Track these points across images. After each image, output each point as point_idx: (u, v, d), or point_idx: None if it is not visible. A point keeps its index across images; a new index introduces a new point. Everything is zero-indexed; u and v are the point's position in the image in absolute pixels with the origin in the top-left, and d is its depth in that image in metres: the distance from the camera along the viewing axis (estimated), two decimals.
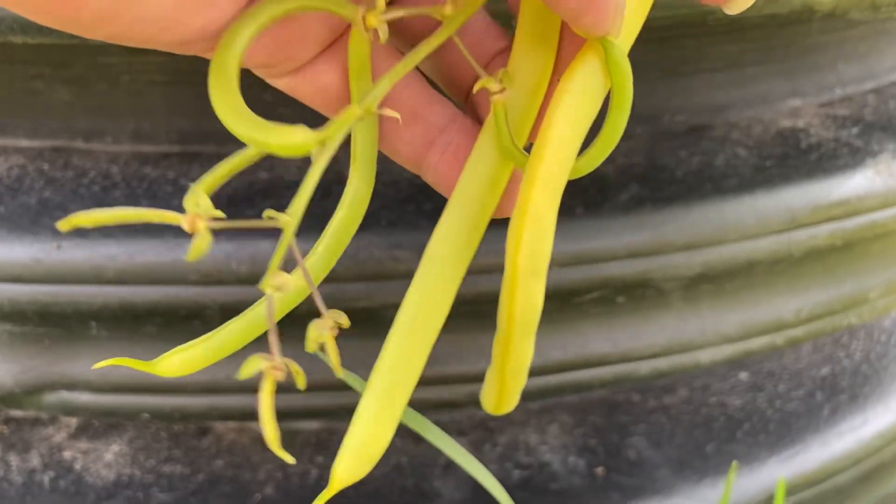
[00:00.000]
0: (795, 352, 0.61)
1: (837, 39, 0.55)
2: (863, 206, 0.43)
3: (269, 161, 0.44)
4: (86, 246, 0.37)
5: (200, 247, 0.20)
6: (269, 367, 0.20)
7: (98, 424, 0.50)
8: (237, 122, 0.21)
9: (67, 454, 0.51)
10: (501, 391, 0.25)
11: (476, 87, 0.25)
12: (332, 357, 0.22)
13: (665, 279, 0.40)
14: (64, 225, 0.20)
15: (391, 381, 0.26)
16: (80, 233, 0.38)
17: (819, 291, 0.45)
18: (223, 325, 0.26)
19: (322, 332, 0.22)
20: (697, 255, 0.40)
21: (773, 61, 0.53)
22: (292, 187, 0.41)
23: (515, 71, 0.25)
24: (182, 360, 0.25)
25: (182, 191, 0.40)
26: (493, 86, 0.24)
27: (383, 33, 0.24)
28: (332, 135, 0.22)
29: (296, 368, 0.21)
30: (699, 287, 0.42)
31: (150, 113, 0.45)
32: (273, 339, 0.21)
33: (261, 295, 0.37)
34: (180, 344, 0.38)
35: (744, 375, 0.60)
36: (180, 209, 0.40)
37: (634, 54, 0.47)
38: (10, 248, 0.38)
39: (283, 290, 0.22)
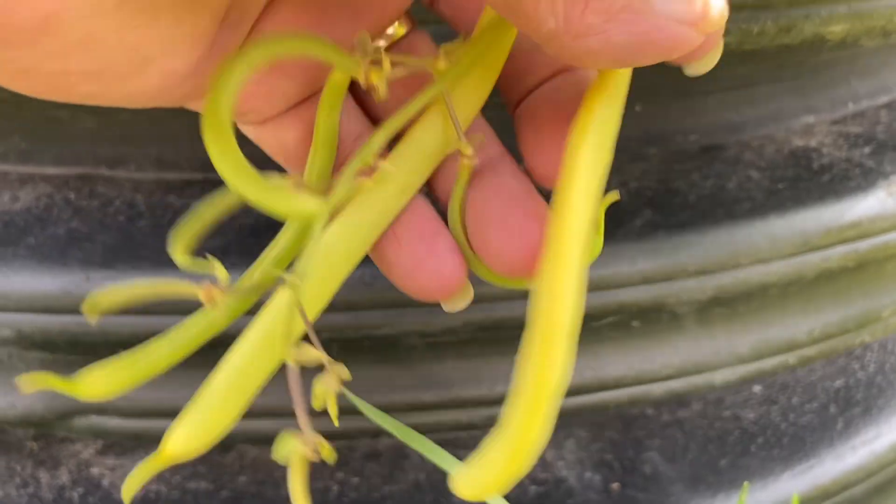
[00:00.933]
0: (812, 363, 0.61)
1: (849, 56, 0.55)
2: (875, 227, 0.44)
3: None
4: (113, 277, 0.38)
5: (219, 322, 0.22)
6: (300, 447, 0.21)
7: (125, 441, 0.51)
8: (244, 184, 0.21)
9: (95, 470, 0.52)
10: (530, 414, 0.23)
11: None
12: (332, 412, 0.23)
13: (679, 303, 0.41)
14: (91, 310, 0.21)
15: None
16: (107, 265, 0.39)
17: (832, 312, 0.46)
18: (151, 344, 0.26)
19: (328, 388, 0.23)
20: (710, 280, 0.41)
21: (786, 80, 0.53)
22: None
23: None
24: (106, 382, 0.25)
25: None
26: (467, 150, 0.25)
27: (383, 91, 0.24)
28: (342, 201, 0.22)
29: (326, 446, 0.22)
30: (712, 310, 0.43)
31: (173, 140, 0.46)
32: (302, 417, 0.22)
33: None
34: (206, 371, 0.40)
35: (757, 388, 0.61)
36: (204, 240, 0.41)
37: (648, 76, 0.48)
38: (41, 279, 0.39)
39: (303, 361, 0.23)
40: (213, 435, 0.27)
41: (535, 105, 0.27)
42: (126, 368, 0.25)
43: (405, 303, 0.39)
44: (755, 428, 0.57)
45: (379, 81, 0.24)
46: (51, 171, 0.48)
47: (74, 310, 0.38)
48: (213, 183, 0.46)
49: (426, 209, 0.28)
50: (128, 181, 0.46)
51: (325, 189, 0.24)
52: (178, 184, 0.45)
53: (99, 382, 0.25)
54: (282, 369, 0.42)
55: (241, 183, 0.21)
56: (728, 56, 0.46)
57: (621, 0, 0.21)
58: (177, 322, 0.39)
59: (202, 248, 0.40)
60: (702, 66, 0.26)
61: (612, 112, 0.23)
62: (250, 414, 0.45)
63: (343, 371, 0.23)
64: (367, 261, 0.40)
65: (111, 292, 0.22)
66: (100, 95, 0.24)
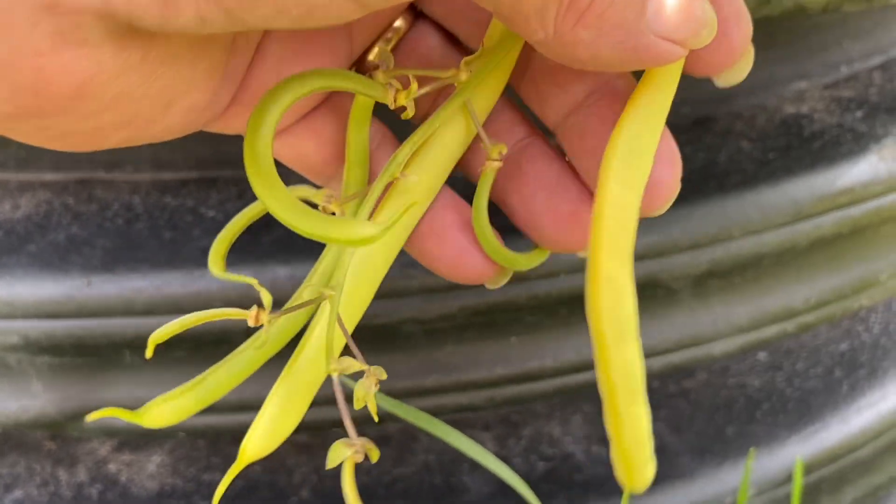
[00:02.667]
0: (814, 329, 0.62)
1: (841, 17, 0.55)
2: (868, 192, 0.44)
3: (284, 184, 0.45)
4: (115, 281, 0.39)
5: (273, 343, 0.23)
6: (351, 453, 0.22)
7: (137, 438, 0.53)
8: (298, 219, 0.21)
9: (112, 467, 0.53)
10: (629, 465, 0.24)
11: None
12: (372, 411, 0.24)
13: (673, 278, 0.41)
14: (152, 346, 0.23)
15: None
16: (108, 268, 0.40)
17: (828, 278, 0.46)
18: (210, 371, 0.27)
19: (367, 391, 0.24)
20: (704, 254, 0.41)
21: (776, 46, 0.53)
22: None
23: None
24: (171, 410, 0.27)
25: (201, 220, 0.42)
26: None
27: (411, 110, 0.25)
28: (395, 221, 0.22)
29: (374, 449, 0.23)
30: (708, 283, 0.43)
31: (168, 140, 0.47)
32: (349, 424, 0.23)
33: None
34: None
35: (762, 356, 0.61)
36: (201, 239, 0.42)
37: None
38: (43, 285, 0.39)
39: (347, 371, 0.24)
40: (282, 436, 0.29)
41: (582, 118, 0.27)
42: (189, 397, 0.27)
43: (401, 292, 0.40)
44: (760, 395, 0.58)
45: (407, 102, 0.25)
46: (49, 177, 0.49)
47: (78, 314, 0.39)
48: (208, 181, 0.46)
49: (455, 200, 0.29)
50: (125, 183, 0.47)
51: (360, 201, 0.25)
52: (173, 184, 0.46)
53: (164, 412, 0.28)
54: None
55: (296, 218, 0.22)
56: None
57: (615, 17, 0.21)
58: (175, 317, 0.40)
59: (197, 248, 0.41)
60: (733, 76, 0.26)
61: (658, 106, 0.24)
62: (256, 407, 0.46)
63: (380, 373, 0.26)
64: None
65: (167, 329, 0.25)
66: (130, 140, 0.25)
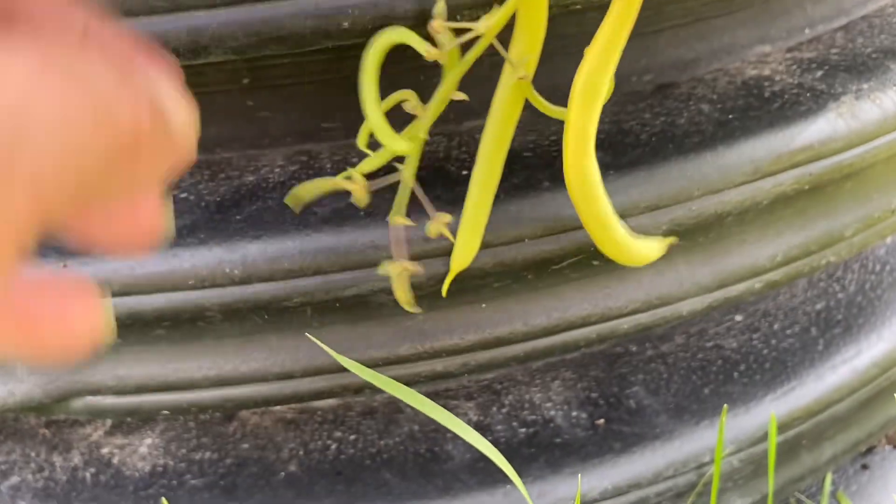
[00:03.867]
0: (790, 289, 0.63)
1: None
2: (826, 149, 0.45)
3: (254, 164, 0.46)
4: (90, 263, 0.40)
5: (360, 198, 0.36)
6: (398, 268, 0.36)
7: (131, 420, 0.54)
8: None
9: (105, 450, 0.55)
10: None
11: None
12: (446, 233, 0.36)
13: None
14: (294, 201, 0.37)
15: (475, 210, 0.38)
16: (82, 251, 0.41)
17: (792, 235, 0.47)
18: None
19: (438, 225, 0.36)
20: (664, 215, 0.42)
21: (739, 10, 0.54)
22: (278, 188, 0.44)
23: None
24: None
25: (174, 201, 0.43)
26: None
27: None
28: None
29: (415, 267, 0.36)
30: (672, 239, 0.44)
31: None
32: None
33: (254, 295, 0.40)
34: (190, 344, 0.42)
35: (739, 317, 0.62)
36: (174, 219, 0.42)
37: (596, 21, 0.48)
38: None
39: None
40: (475, 250, 0.38)
41: None
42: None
43: (371, 262, 0.41)
44: (737, 356, 0.59)
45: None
46: None
47: None
48: None
49: None
50: None
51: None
52: None
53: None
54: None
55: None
56: (654, 17, 0.47)
57: None
58: (155, 300, 0.41)
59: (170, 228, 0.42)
60: None
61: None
62: (248, 380, 0.47)
63: (445, 217, 0.36)
64: (331, 227, 0.41)
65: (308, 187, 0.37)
66: None
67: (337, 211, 0.41)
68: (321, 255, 0.40)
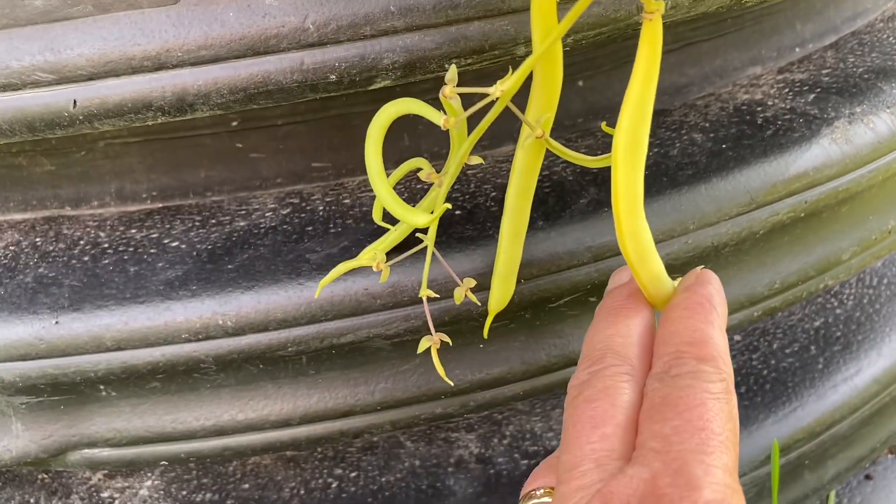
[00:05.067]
0: (788, 307, 0.62)
1: (790, 2, 0.55)
2: (822, 176, 0.44)
3: (245, 207, 0.46)
4: (82, 319, 0.40)
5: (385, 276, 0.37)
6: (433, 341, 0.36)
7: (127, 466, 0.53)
8: (392, 203, 0.32)
9: (105, 494, 0.54)
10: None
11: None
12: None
13: None
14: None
15: (506, 258, 0.38)
16: (75, 307, 0.40)
17: (789, 262, 0.47)
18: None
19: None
20: (661, 249, 0.42)
21: (729, 33, 0.53)
22: (269, 233, 0.43)
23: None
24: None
25: (165, 250, 0.43)
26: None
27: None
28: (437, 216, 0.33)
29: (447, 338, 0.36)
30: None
31: (130, 172, 0.48)
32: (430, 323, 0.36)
33: (248, 346, 0.40)
34: (187, 395, 0.41)
35: (738, 337, 0.62)
36: (166, 271, 0.42)
37: (587, 52, 0.48)
38: (13, 328, 0.40)
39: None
40: (509, 296, 0.39)
41: None
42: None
43: (365, 309, 0.40)
44: (738, 377, 0.58)
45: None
46: (17, 216, 0.50)
47: (49, 354, 0.40)
48: (172, 210, 0.47)
49: None
50: (91, 218, 0.48)
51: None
52: (139, 215, 0.47)
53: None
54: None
55: (391, 203, 0.32)
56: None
57: None
58: (149, 354, 0.41)
59: (162, 280, 0.41)
60: None
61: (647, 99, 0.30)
62: (246, 428, 0.46)
63: (470, 282, 0.37)
64: (324, 275, 0.41)
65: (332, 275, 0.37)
66: None
67: (330, 257, 0.41)
68: (315, 304, 0.39)
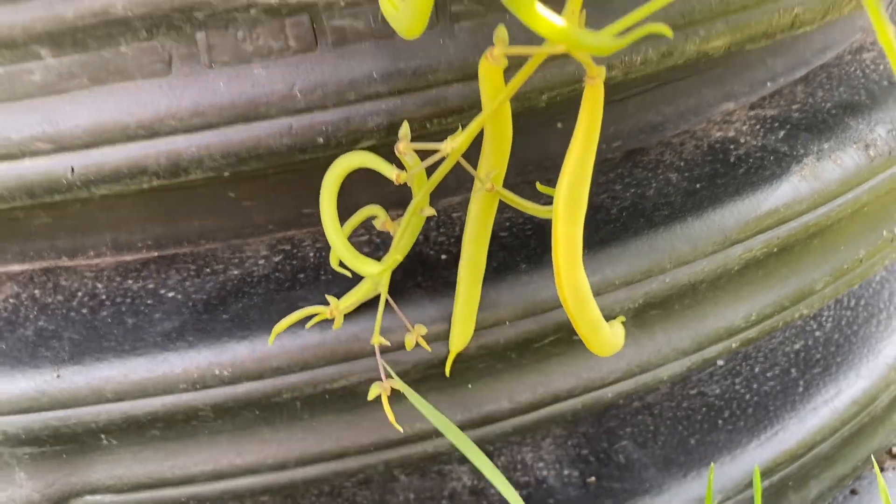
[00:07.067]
0: (753, 344, 0.64)
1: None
2: (792, 212, 0.46)
3: (238, 255, 0.47)
4: (83, 372, 0.41)
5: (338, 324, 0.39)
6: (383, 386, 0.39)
7: None
8: (346, 254, 0.35)
9: None
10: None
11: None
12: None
13: (614, 314, 0.44)
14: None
15: (465, 302, 0.40)
16: (76, 360, 0.42)
17: (764, 295, 0.48)
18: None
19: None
20: (639, 288, 0.43)
21: (703, 71, 0.55)
22: (262, 282, 0.45)
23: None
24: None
25: (162, 301, 0.44)
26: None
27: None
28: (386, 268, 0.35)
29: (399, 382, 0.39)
30: (647, 314, 0.45)
31: (125, 223, 0.49)
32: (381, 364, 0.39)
33: (244, 394, 0.41)
34: (185, 441, 0.43)
35: (720, 362, 0.63)
36: (162, 322, 0.43)
37: (563, 94, 0.49)
38: (15, 382, 0.41)
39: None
40: (468, 338, 0.41)
41: None
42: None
43: (356, 355, 0.42)
44: (721, 402, 0.60)
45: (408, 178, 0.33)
46: (16, 268, 0.51)
47: (51, 406, 0.41)
48: (167, 259, 0.48)
49: None
50: (88, 268, 0.49)
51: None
52: (135, 265, 0.48)
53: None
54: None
55: (345, 254, 0.35)
56: (620, 85, 0.48)
57: None
58: (148, 404, 0.42)
59: (159, 332, 0.43)
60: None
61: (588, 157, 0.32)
62: (244, 472, 0.48)
63: (421, 329, 0.40)
64: (316, 323, 0.42)
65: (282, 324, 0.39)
66: None
67: (322, 305, 0.42)
68: (308, 351, 0.41)
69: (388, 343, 0.38)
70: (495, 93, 0.31)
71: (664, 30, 0.24)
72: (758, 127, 0.52)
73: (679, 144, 0.52)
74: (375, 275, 0.34)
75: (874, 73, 0.57)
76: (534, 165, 0.51)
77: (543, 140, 0.51)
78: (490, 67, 0.30)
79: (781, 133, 0.51)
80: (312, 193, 0.49)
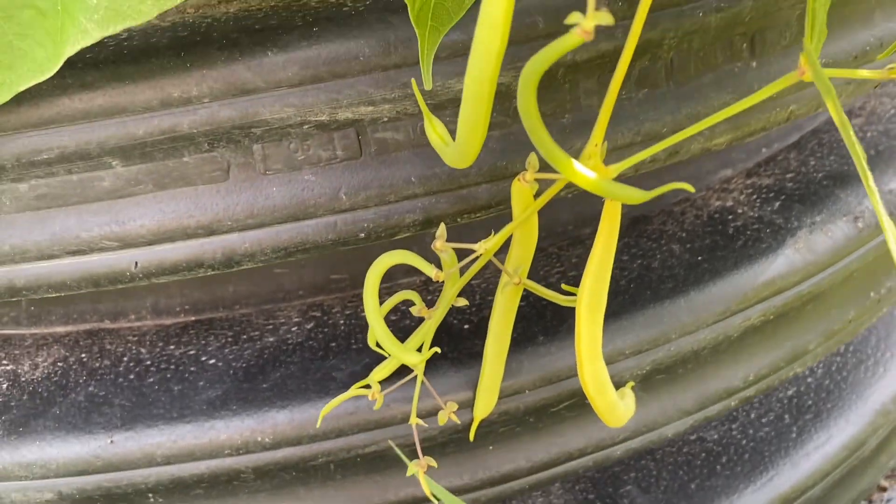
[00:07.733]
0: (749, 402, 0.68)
1: None
2: (787, 283, 0.50)
3: (272, 321, 0.51)
4: (135, 438, 0.44)
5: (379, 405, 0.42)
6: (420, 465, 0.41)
7: None
8: (388, 343, 0.37)
9: None
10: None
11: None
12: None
13: (623, 380, 0.47)
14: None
15: (490, 374, 0.43)
16: (128, 426, 0.45)
17: (762, 357, 0.52)
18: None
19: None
20: (646, 357, 0.47)
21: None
22: (297, 350, 0.48)
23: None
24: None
25: (204, 368, 0.47)
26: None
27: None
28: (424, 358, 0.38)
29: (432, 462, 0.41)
30: (654, 378, 0.49)
31: (165, 288, 0.52)
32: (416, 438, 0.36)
33: (283, 458, 0.44)
34: (227, 501, 0.46)
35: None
36: (206, 387, 0.47)
37: None
38: (70, 446, 0.45)
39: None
40: (494, 402, 0.44)
41: None
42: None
43: (388, 422, 0.45)
44: (719, 448, 0.64)
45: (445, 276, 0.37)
46: (60, 329, 0.54)
47: (105, 469, 0.44)
48: (205, 324, 0.52)
49: None
50: (130, 332, 0.52)
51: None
52: (175, 330, 0.51)
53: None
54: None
55: (387, 342, 0.38)
56: (629, 180, 0.52)
57: None
58: (194, 467, 0.45)
59: (204, 399, 0.46)
60: None
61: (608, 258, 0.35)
62: None
63: (453, 406, 0.42)
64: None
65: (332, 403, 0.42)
66: None
67: (353, 375, 0.46)
68: (342, 419, 0.44)
69: (425, 424, 0.41)
70: (525, 206, 0.35)
71: (686, 186, 0.27)
72: (754, 197, 0.56)
73: (680, 213, 0.55)
74: (416, 363, 0.37)
75: (861, 141, 0.61)
76: (546, 233, 0.55)
77: (554, 209, 0.55)
78: (522, 188, 0.34)
79: (777, 204, 0.55)
80: (340, 260, 0.53)
